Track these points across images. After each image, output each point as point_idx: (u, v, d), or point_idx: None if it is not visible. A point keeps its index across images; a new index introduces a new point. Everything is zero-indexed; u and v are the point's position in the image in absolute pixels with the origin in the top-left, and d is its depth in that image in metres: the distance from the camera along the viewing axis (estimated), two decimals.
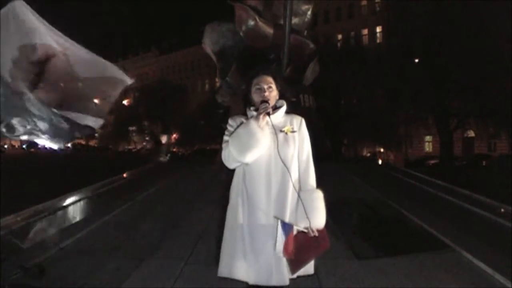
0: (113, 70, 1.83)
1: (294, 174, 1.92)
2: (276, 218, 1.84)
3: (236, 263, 1.92)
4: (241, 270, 1.91)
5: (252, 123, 1.88)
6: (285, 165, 1.87)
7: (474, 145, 29.58)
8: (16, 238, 3.95)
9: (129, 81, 1.97)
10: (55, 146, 1.91)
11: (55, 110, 1.72)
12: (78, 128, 1.83)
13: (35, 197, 6.08)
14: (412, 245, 3.71)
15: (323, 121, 11.95)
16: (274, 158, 1.89)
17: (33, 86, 1.63)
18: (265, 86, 1.96)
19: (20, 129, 1.69)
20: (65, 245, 3.87)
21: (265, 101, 1.92)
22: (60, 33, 1.69)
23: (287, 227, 1.81)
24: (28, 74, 1.59)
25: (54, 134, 1.78)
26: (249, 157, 1.88)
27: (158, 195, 6.23)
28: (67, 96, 1.74)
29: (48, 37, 1.59)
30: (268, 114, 1.90)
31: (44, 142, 1.88)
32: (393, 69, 19.15)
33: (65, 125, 1.75)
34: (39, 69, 1.61)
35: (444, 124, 19.97)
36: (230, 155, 1.92)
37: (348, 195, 5.46)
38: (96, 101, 1.83)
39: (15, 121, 1.67)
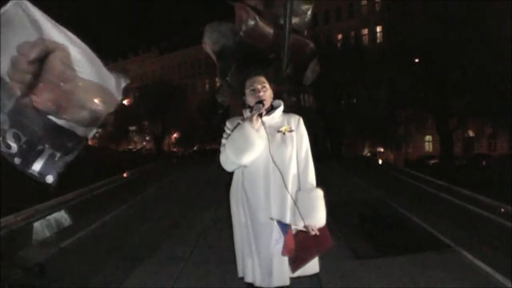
0: (111, 82, 1.70)
1: (293, 174, 1.91)
2: (271, 219, 1.83)
3: (245, 264, 1.94)
4: (249, 271, 1.92)
5: (246, 125, 1.87)
6: (278, 166, 1.86)
7: (474, 145, 29.59)
8: (16, 238, 3.95)
9: (119, 98, 1.82)
10: (50, 175, 1.72)
11: (51, 117, 1.57)
12: (73, 139, 1.65)
13: (35, 197, 6.06)
14: (412, 245, 3.71)
15: (323, 121, 11.94)
16: (271, 159, 1.88)
17: (29, 89, 1.49)
18: (259, 87, 1.95)
19: (14, 144, 1.57)
20: (65, 245, 3.87)
21: (260, 101, 1.91)
22: (60, 27, 1.55)
23: (284, 226, 1.81)
24: (24, 75, 1.47)
25: (51, 144, 1.65)
26: (246, 160, 1.88)
27: (159, 194, 6.22)
28: (64, 99, 1.56)
29: (49, 31, 1.47)
30: (261, 115, 1.89)
31: (38, 166, 1.71)
32: (393, 69, 19.13)
33: (61, 134, 1.60)
34: (37, 68, 1.47)
35: (444, 124, 19.95)
36: (228, 159, 1.91)
37: (348, 194, 5.46)
38: (92, 107, 1.65)
39: (10, 133, 1.53)
